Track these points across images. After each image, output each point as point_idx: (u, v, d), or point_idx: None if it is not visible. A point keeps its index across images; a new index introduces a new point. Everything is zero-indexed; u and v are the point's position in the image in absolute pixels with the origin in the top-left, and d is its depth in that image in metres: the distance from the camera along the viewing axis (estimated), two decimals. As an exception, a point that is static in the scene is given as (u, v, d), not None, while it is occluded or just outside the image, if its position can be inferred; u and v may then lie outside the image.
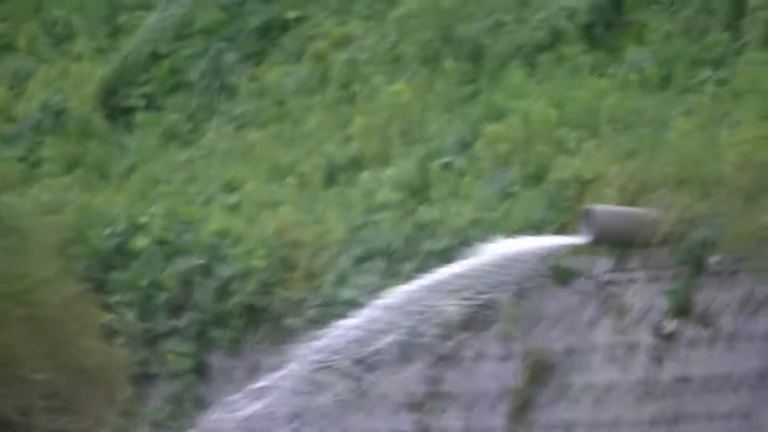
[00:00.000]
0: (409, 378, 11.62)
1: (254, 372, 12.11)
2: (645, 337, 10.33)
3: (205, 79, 17.58)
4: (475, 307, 11.08)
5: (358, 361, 11.29)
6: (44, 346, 11.34)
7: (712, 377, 9.82)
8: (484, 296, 10.85)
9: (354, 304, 11.45)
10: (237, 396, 11.31)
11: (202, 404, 12.51)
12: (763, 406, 9.22)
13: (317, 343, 10.97)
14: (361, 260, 12.56)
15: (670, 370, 10.11)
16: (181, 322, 13.63)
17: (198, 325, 13.59)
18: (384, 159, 13.94)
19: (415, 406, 11.63)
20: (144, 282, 13.71)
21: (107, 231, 14.44)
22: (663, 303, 10.35)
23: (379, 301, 10.92)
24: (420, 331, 11.06)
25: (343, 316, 11.14)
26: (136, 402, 13.08)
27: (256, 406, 11.12)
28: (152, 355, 13.43)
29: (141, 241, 13.98)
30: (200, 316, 13.62)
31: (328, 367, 11.24)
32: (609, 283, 10.76)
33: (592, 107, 12.65)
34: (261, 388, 11.17)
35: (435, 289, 10.78)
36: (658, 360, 10.21)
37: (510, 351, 11.15)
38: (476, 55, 15.11)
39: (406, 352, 11.37)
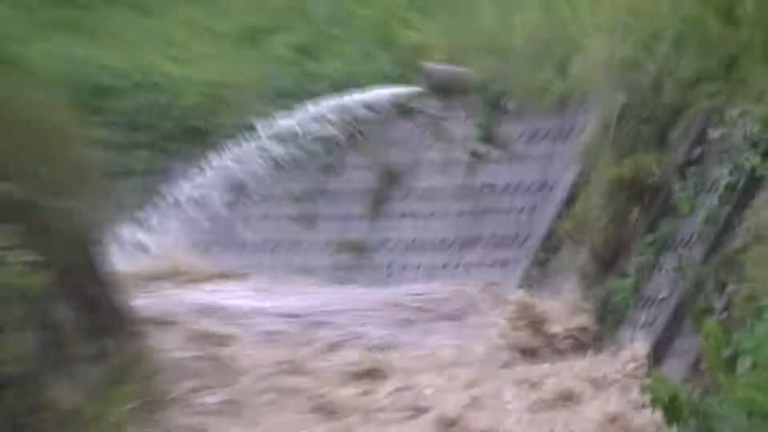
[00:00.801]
0: (301, 178, 10.69)
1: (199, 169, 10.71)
2: (462, 156, 9.63)
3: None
4: (347, 131, 10.21)
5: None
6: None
7: (508, 184, 9.21)
8: (353, 124, 10.21)
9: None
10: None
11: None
12: (541, 204, 8.61)
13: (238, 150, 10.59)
14: (269, 98, 11.23)
15: (479, 179, 9.46)
16: (147, 136, 11.66)
17: (160, 140, 11.71)
18: (285, 28, 12.52)
19: (301, 198, 10.69)
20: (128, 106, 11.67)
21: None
22: (475, 133, 9.67)
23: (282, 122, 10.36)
24: (308, 146, 10.38)
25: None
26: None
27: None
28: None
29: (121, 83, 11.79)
30: (160, 132, 11.79)
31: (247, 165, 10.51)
32: (438, 118, 9.88)
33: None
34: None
35: (319, 116, 10.21)
36: (471, 172, 9.52)
37: (371, 162, 10.32)
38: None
39: (298, 161, 10.47)
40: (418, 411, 6.13)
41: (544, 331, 7.18)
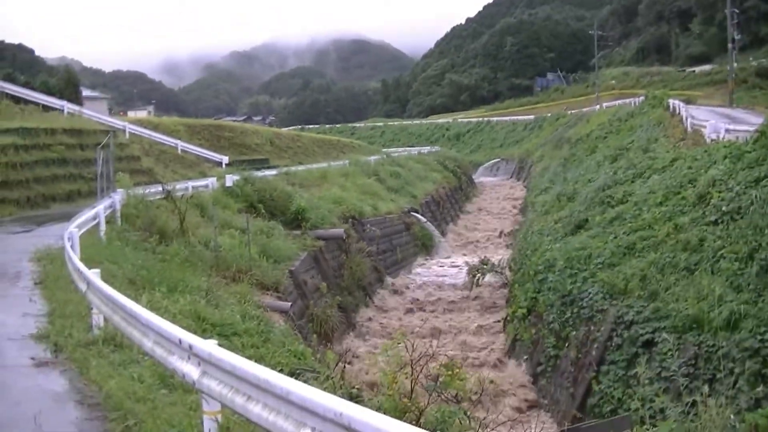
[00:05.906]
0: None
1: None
2: (503, 164, 65.16)
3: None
4: (494, 165, 65.21)
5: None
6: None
7: (511, 167, 61.91)
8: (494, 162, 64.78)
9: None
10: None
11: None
12: (512, 169, 63.31)
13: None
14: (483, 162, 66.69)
15: (506, 167, 63.01)
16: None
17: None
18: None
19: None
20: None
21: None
22: (505, 163, 65.43)
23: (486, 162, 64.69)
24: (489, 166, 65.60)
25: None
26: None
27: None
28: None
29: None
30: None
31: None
32: (501, 162, 65.98)
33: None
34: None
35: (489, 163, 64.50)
36: (504, 165, 64.88)
37: (498, 166, 66.19)
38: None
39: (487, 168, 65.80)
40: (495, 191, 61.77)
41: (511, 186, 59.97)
